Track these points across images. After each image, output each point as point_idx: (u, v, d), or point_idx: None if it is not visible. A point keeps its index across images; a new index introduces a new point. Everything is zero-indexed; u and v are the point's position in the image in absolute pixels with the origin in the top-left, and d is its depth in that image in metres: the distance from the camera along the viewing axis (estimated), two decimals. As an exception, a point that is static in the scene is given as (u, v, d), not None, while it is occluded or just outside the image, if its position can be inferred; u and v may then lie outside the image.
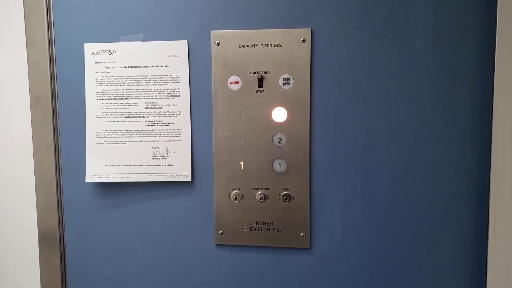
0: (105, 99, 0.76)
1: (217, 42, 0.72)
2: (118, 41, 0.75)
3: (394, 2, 0.68)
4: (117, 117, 0.76)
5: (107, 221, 0.79)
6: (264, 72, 0.72)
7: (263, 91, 0.72)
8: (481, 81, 0.68)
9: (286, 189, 0.73)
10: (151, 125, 0.75)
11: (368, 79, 0.70)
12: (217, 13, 0.72)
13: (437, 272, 0.72)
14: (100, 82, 0.76)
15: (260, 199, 0.73)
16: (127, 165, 0.76)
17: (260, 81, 0.72)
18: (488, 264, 0.68)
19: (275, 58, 0.71)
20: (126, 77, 0.75)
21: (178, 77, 0.74)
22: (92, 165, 0.77)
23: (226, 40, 0.72)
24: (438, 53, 0.68)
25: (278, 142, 0.73)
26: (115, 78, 0.75)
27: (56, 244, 0.80)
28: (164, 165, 0.75)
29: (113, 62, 0.75)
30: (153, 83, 0.75)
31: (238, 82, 0.73)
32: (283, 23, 0.71)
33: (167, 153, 0.75)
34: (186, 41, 0.73)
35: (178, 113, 0.75)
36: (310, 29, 0.70)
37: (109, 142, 0.76)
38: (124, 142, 0.76)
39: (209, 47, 0.73)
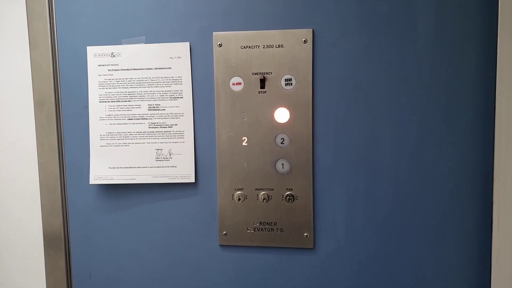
0: (108, 101, 0.76)
1: (219, 44, 0.73)
2: (120, 43, 0.75)
3: (395, 2, 0.68)
4: (120, 119, 0.76)
5: (111, 222, 0.79)
6: (266, 73, 0.72)
7: (265, 92, 0.72)
8: (483, 80, 0.68)
9: (289, 189, 0.73)
10: (154, 127, 0.76)
11: (370, 79, 0.70)
12: (218, 15, 0.73)
13: (441, 271, 0.72)
14: (103, 85, 0.76)
15: (264, 199, 0.74)
16: (131, 167, 0.77)
17: (262, 82, 0.72)
18: (492, 263, 0.68)
19: (277, 59, 0.71)
20: (129, 80, 0.75)
21: (180, 79, 0.74)
22: (95, 167, 0.77)
23: (228, 42, 0.72)
24: (440, 52, 0.68)
25: (281, 143, 0.73)
26: (118, 80, 0.76)
27: (61, 246, 0.81)
28: (168, 166, 0.76)
29: (115, 64, 0.76)
30: (156, 85, 0.75)
31: (240, 83, 0.73)
32: (284, 24, 0.71)
33: (170, 155, 0.76)
34: (188, 43, 0.74)
35: (181, 114, 0.75)
36: (311, 29, 0.70)
37: (113, 145, 0.77)
38: (127, 144, 0.76)
39: (211, 49, 0.73)
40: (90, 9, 0.76)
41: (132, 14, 0.75)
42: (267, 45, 0.71)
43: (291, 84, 0.72)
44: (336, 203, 0.73)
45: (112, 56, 0.75)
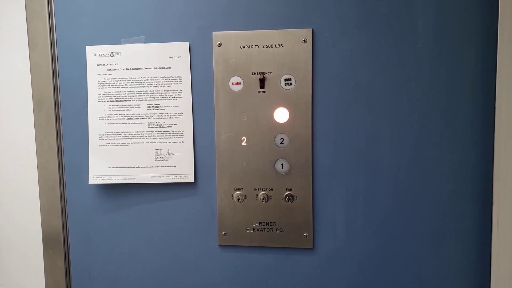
0: (108, 101, 0.76)
1: (219, 43, 0.73)
2: (120, 43, 0.75)
3: (395, 2, 0.68)
4: (120, 119, 0.76)
5: (110, 222, 0.79)
6: (266, 73, 0.72)
7: (264, 91, 0.72)
8: (483, 80, 0.68)
9: (288, 189, 0.73)
10: (154, 127, 0.76)
11: (369, 79, 0.70)
12: (218, 15, 0.73)
13: (440, 271, 0.72)
14: (102, 84, 0.76)
15: (263, 199, 0.73)
16: (130, 167, 0.76)
17: (262, 82, 0.72)
18: (492, 263, 0.68)
19: (277, 58, 0.71)
20: (128, 79, 0.75)
21: (180, 79, 0.74)
22: (95, 167, 0.77)
23: (228, 41, 0.72)
24: (440, 52, 0.68)
25: (280, 143, 0.73)
26: (117, 80, 0.76)
27: (60, 246, 0.81)
28: (167, 166, 0.76)
29: (115, 64, 0.76)
30: (155, 85, 0.75)
31: (239, 83, 0.73)
32: (284, 23, 0.71)
33: (169, 155, 0.76)
34: (188, 42, 0.73)
35: (180, 114, 0.75)
36: (311, 29, 0.70)
37: (112, 144, 0.77)
38: (126, 144, 0.76)
39: (210, 48, 0.73)
40: (90, 9, 0.76)
41: (131, 14, 0.74)
42: (266, 45, 0.71)
43: (291, 84, 0.71)
44: (336, 203, 0.73)
45: (111, 55, 0.75)
